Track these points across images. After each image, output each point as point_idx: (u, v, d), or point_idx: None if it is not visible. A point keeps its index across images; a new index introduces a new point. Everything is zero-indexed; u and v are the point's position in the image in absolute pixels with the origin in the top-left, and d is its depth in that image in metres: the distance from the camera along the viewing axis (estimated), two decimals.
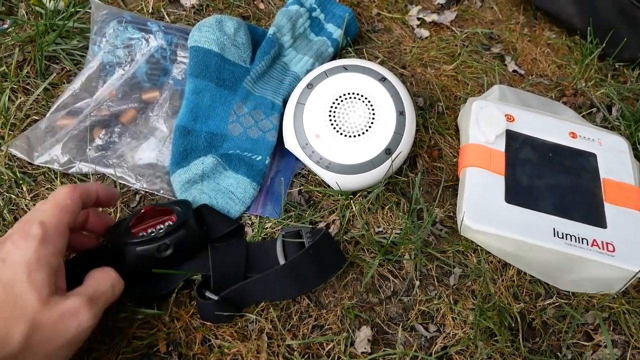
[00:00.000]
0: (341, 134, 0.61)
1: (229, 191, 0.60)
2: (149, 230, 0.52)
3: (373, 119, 0.62)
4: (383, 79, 0.64)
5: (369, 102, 0.63)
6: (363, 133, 0.62)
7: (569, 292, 0.62)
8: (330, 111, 0.62)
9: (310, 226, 0.60)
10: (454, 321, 0.58)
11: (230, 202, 0.59)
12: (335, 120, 0.62)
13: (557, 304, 0.61)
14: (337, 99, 0.63)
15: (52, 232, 0.41)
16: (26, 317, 0.38)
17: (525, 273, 0.62)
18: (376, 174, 0.62)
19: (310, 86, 0.64)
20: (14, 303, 0.38)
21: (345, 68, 0.64)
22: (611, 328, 0.61)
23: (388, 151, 0.61)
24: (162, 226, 0.53)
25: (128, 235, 0.51)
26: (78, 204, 0.45)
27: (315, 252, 0.53)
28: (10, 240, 0.40)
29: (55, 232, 0.42)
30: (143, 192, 0.61)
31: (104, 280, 0.44)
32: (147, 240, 0.51)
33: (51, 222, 0.42)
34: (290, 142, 0.63)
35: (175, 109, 0.65)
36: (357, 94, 0.63)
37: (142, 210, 0.54)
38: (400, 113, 0.62)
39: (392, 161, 0.61)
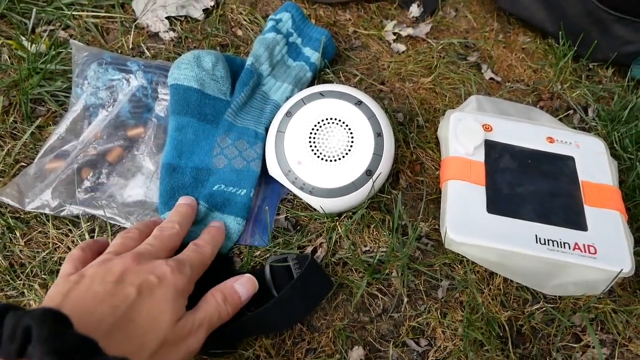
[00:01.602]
0: (322, 158, 0.63)
1: None
2: None
3: (352, 142, 0.64)
4: (359, 103, 0.66)
5: (346, 126, 0.64)
6: (343, 157, 0.63)
7: (555, 296, 0.63)
8: (310, 137, 0.64)
9: (297, 252, 0.62)
10: (444, 334, 0.59)
11: None
12: (315, 146, 0.64)
13: (544, 308, 0.62)
14: (315, 125, 0.65)
15: (194, 277, 0.51)
16: (160, 334, 0.43)
17: (511, 280, 0.64)
18: (359, 195, 0.63)
19: (289, 114, 0.66)
20: (155, 318, 0.43)
21: (321, 94, 0.66)
22: (599, 328, 0.62)
23: (369, 172, 0.63)
24: None
25: None
26: (209, 264, 0.55)
27: (303, 283, 0.55)
28: (167, 265, 0.48)
29: (196, 278, 0.51)
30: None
31: (211, 307, 0.50)
32: None
33: (197, 271, 0.52)
34: (274, 170, 0.65)
35: (159, 145, 0.67)
36: (335, 119, 0.65)
37: None
38: (378, 134, 0.64)
39: (373, 182, 0.63)
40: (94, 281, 0.44)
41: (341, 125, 0.65)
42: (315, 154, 0.63)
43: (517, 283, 0.64)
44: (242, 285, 0.53)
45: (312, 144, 0.64)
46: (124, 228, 0.62)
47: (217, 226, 0.60)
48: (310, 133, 0.64)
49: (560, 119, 0.80)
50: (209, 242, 0.56)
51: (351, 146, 0.64)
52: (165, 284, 0.46)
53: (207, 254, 0.54)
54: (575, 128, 0.79)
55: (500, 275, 0.64)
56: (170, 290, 0.46)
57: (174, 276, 0.47)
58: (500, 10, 0.96)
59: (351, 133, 0.64)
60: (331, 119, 0.65)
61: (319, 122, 0.65)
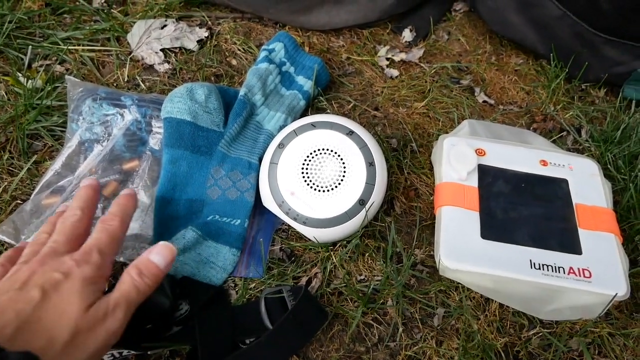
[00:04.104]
0: (315, 189, 0.64)
1: (209, 261, 0.62)
2: None
3: (344, 172, 0.64)
4: (350, 133, 0.66)
5: (338, 156, 0.65)
6: (336, 187, 0.64)
7: (551, 320, 0.63)
8: (302, 168, 0.65)
9: (291, 284, 0.62)
10: None
11: (211, 271, 0.61)
12: (308, 177, 0.64)
13: (540, 333, 0.62)
14: (308, 156, 0.65)
15: (107, 260, 0.50)
16: (70, 324, 0.43)
17: (507, 305, 0.64)
18: (352, 225, 0.64)
19: (281, 146, 0.66)
20: (63, 311, 0.44)
21: (313, 125, 0.67)
22: (596, 352, 0.62)
23: (361, 202, 0.63)
24: None
25: None
26: (124, 236, 0.53)
27: (296, 315, 0.55)
28: (73, 259, 0.47)
29: (109, 260, 0.50)
30: (129, 264, 0.63)
31: (126, 284, 0.49)
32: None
33: (107, 252, 0.50)
34: (267, 201, 0.65)
35: (154, 178, 0.67)
36: (327, 150, 0.65)
37: None
38: (370, 164, 0.64)
39: (367, 211, 0.63)
40: (1, 295, 0.45)
41: (333, 156, 0.65)
42: (308, 184, 0.64)
43: (513, 308, 0.64)
44: (157, 254, 0.51)
45: (304, 174, 0.64)
46: (119, 262, 0.63)
47: (127, 194, 0.57)
48: (303, 164, 0.65)
49: (553, 141, 0.80)
50: (117, 214, 0.54)
51: (344, 176, 0.64)
52: (72, 277, 0.46)
53: (116, 227, 0.52)
54: (569, 149, 0.80)
55: (496, 301, 0.64)
56: (77, 282, 0.45)
57: (81, 268, 0.47)
58: (492, 33, 0.97)
59: (343, 163, 0.65)
60: (323, 149, 0.65)
61: (311, 153, 0.65)
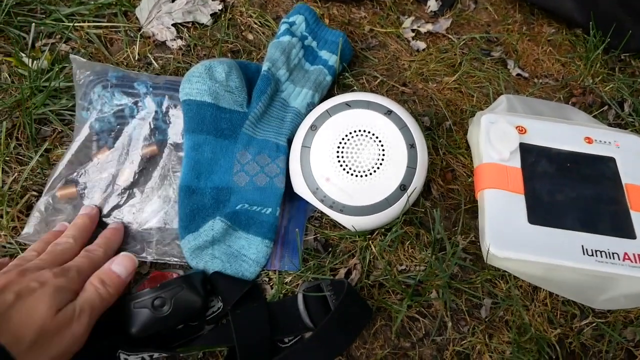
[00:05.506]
0: (352, 174, 0.59)
1: (241, 254, 0.57)
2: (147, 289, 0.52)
3: (383, 155, 0.59)
4: (389, 112, 0.61)
5: (377, 138, 0.60)
6: (375, 171, 0.59)
7: (604, 309, 0.59)
8: (337, 152, 0.60)
9: (330, 277, 0.58)
10: (491, 358, 0.55)
11: (243, 264, 0.57)
12: (344, 161, 0.59)
13: (594, 323, 0.59)
14: (343, 139, 0.60)
15: (82, 279, 0.51)
16: (36, 325, 0.44)
17: (558, 295, 0.60)
18: (393, 212, 0.59)
19: (313, 127, 0.61)
20: (31, 313, 0.45)
21: (348, 104, 0.62)
22: None
23: (403, 187, 0.59)
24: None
25: (129, 294, 0.53)
26: (104, 263, 0.54)
27: (341, 314, 0.51)
28: (52, 272, 0.49)
29: (84, 280, 0.51)
30: (155, 261, 0.59)
31: (89, 292, 0.50)
32: (141, 294, 0.51)
33: (85, 273, 0.52)
34: (300, 188, 0.61)
35: (175, 166, 0.62)
36: (364, 131, 0.60)
37: (151, 275, 0.56)
38: (411, 146, 0.60)
39: (409, 197, 0.58)
40: None
41: (371, 137, 0.60)
42: (344, 169, 0.59)
43: (563, 297, 0.60)
44: (119, 265, 0.53)
45: (340, 158, 0.59)
46: (148, 261, 0.59)
47: (113, 227, 0.59)
48: (338, 147, 0.60)
49: (594, 116, 0.75)
50: (101, 245, 0.56)
51: (382, 159, 0.59)
52: (47, 285, 0.47)
53: (98, 256, 0.55)
54: (610, 125, 0.75)
55: (544, 290, 0.60)
56: (50, 289, 0.47)
57: (57, 279, 0.48)
58: (521, 1, 0.91)
59: (382, 145, 0.60)
60: (360, 130, 0.60)
61: (346, 135, 0.60)
